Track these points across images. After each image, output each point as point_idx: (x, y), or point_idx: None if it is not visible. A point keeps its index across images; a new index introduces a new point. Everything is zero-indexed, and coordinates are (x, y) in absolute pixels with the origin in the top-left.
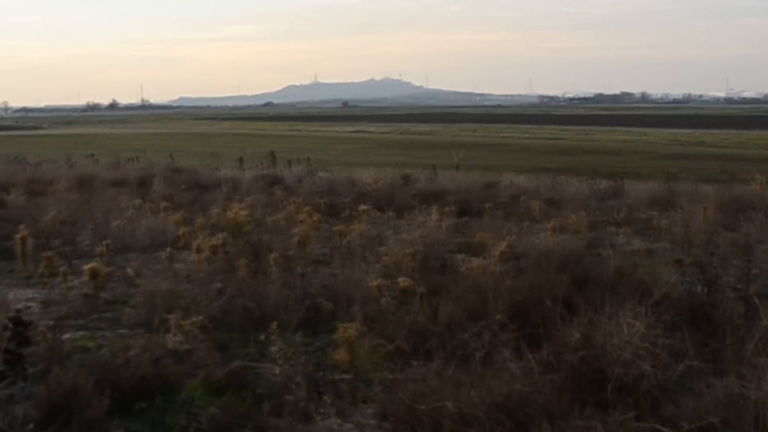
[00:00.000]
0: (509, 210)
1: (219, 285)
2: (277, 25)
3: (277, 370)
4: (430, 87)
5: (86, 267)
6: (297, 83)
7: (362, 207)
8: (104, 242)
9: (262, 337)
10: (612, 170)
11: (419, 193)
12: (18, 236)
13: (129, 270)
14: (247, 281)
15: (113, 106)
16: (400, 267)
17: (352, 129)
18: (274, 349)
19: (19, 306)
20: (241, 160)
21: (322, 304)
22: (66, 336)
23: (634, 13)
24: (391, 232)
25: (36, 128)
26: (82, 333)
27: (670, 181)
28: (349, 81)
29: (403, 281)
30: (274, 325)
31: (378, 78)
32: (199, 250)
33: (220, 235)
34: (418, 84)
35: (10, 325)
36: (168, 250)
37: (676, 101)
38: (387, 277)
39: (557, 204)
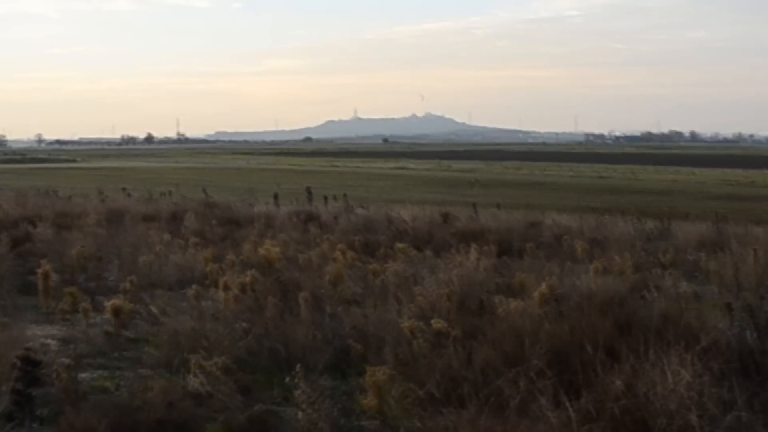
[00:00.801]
0: (551, 250)
1: (245, 324)
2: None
3: (300, 415)
4: (474, 123)
5: (108, 304)
6: (337, 118)
7: (399, 245)
8: (129, 278)
9: (288, 379)
10: (659, 211)
11: (459, 231)
12: (40, 271)
13: (153, 308)
14: (275, 321)
15: (149, 139)
16: (435, 308)
17: (393, 165)
18: (298, 392)
19: (33, 344)
20: (276, 195)
21: (352, 345)
22: (84, 375)
23: (684, 51)
24: (427, 272)
25: (69, 161)
26: (100, 372)
27: (719, 222)
28: (390, 116)
29: (436, 323)
30: (299, 367)
31: (420, 114)
32: (226, 288)
33: (249, 273)
34: (460, 120)
35: (19, 364)
36: (194, 287)
37: (726, 141)
38: (421, 318)
39: (601, 245)
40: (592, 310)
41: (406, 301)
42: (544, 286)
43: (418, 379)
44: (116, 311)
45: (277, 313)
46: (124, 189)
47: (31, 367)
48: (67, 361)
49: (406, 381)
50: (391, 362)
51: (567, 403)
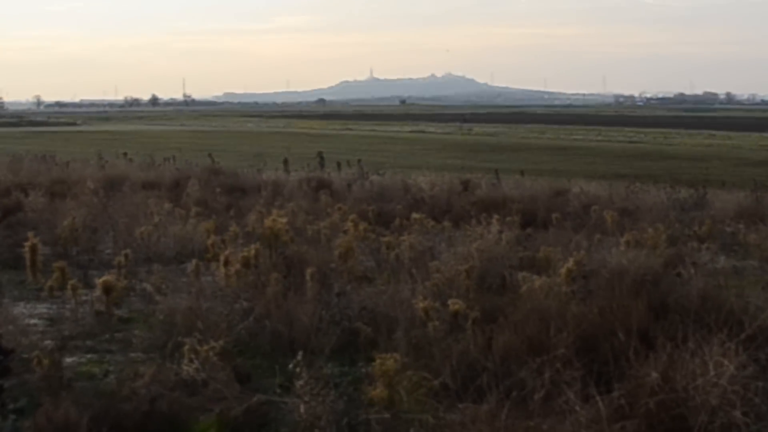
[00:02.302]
0: (579, 221)
1: (246, 304)
2: (332, 16)
3: (302, 407)
4: (496, 84)
5: (99, 280)
6: (351, 79)
7: (415, 215)
8: (124, 252)
9: (291, 365)
10: (694, 178)
11: (479, 200)
12: (27, 244)
13: (147, 285)
14: (278, 300)
15: (154, 101)
16: (453, 285)
17: (410, 129)
18: (300, 383)
19: (17, 324)
20: (285, 161)
21: (361, 328)
22: (70, 360)
23: (719, 6)
24: (445, 245)
25: (70, 124)
26: (88, 356)
27: (758, 191)
28: (408, 77)
29: (454, 303)
30: (301, 354)
31: (439, 74)
32: (227, 263)
33: (253, 246)
34: (482, 81)
35: None
36: (194, 261)
37: (765, 102)
38: (437, 297)
39: (632, 215)
40: (624, 290)
41: (422, 278)
42: (571, 262)
43: (432, 368)
44: (107, 289)
45: (281, 291)
46: (125, 154)
47: (1, 356)
48: (51, 344)
49: (419, 369)
50: (403, 347)
51: (597, 397)
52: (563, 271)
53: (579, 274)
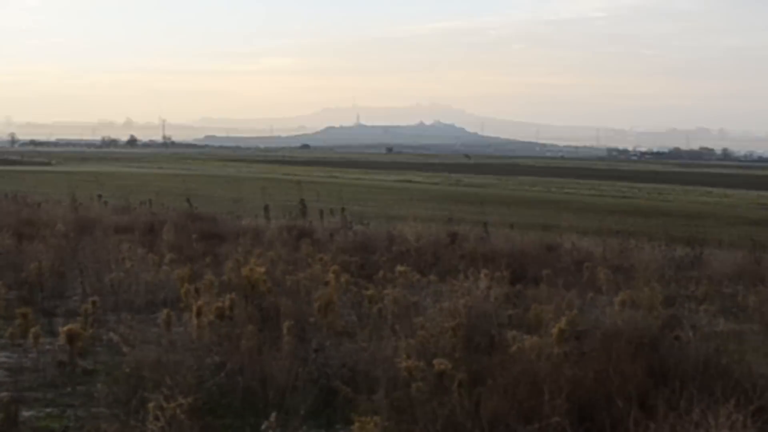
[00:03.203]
0: (571, 278)
1: (218, 358)
2: (318, 59)
3: None
4: (486, 134)
5: (63, 329)
6: (338, 124)
7: (400, 268)
8: (92, 298)
9: (264, 426)
10: (689, 235)
11: (467, 253)
12: None
13: (113, 335)
14: (253, 355)
15: (132, 142)
16: (438, 343)
17: (397, 178)
18: None
19: None
20: (266, 208)
21: (340, 387)
22: (27, 413)
23: (718, 59)
24: (431, 300)
25: (45, 164)
26: (48, 410)
27: (757, 251)
28: (396, 124)
29: (439, 363)
30: (274, 415)
31: (428, 122)
32: (200, 313)
33: (228, 296)
34: (472, 130)
35: None
36: (165, 311)
37: (762, 159)
38: (422, 355)
39: (627, 272)
40: (620, 353)
41: (405, 335)
42: (563, 321)
43: None
44: (72, 338)
45: (256, 345)
46: (100, 196)
47: None
48: (8, 395)
49: None
50: (384, 409)
51: None
52: (555, 330)
53: (572, 335)
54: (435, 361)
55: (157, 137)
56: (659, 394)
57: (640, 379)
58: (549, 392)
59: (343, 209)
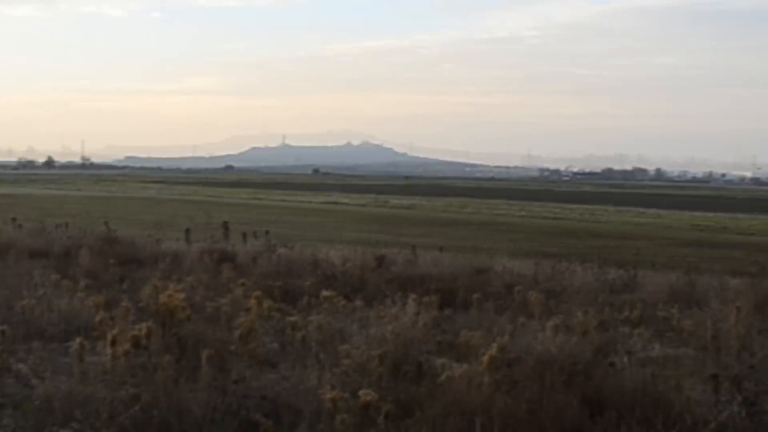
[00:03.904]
0: (502, 302)
1: (133, 390)
2: (243, 79)
3: None
4: (415, 155)
5: None
6: (263, 145)
7: (325, 293)
8: (1, 327)
9: None
10: (623, 258)
11: (395, 278)
12: None
13: (22, 366)
14: (169, 386)
15: (49, 163)
16: (364, 372)
17: (323, 200)
18: None
19: None
20: (188, 231)
21: (261, 421)
22: None
23: (652, 78)
24: (357, 326)
25: None
26: None
27: (691, 273)
28: (322, 144)
29: (365, 394)
30: None
31: (356, 143)
32: (114, 343)
33: (145, 324)
34: (401, 151)
35: None
36: (78, 340)
37: (696, 180)
38: (347, 386)
39: (559, 296)
40: (554, 381)
41: (330, 364)
42: (494, 348)
43: None
44: None
45: (172, 375)
46: (14, 219)
47: None
48: None
49: None
50: None
51: None
52: (486, 358)
53: (503, 362)
54: (361, 392)
55: (76, 158)
56: (596, 427)
57: (575, 410)
58: (480, 425)
59: (267, 232)
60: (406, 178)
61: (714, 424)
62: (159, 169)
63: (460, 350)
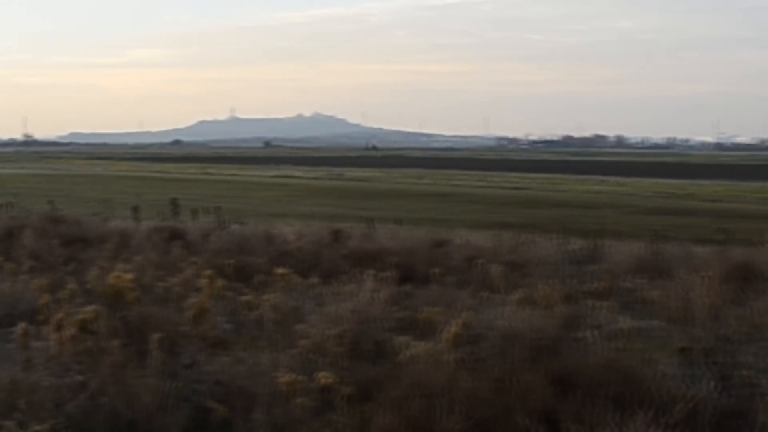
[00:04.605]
0: (463, 276)
1: (80, 377)
2: (189, 50)
3: None
4: (369, 125)
5: None
6: (211, 118)
7: (280, 270)
8: None
9: None
10: (585, 227)
11: (352, 253)
12: None
13: None
14: (117, 372)
15: None
16: (322, 352)
17: (275, 173)
18: None
19: None
20: (136, 208)
21: (214, 406)
22: None
23: (609, 43)
24: (313, 304)
25: None
26: None
27: (656, 242)
28: (273, 116)
29: (324, 377)
30: None
31: (307, 114)
32: (60, 327)
33: (93, 307)
34: (354, 121)
35: None
36: (22, 325)
37: (657, 146)
38: (304, 368)
39: (522, 269)
40: (520, 358)
41: (286, 345)
42: (456, 324)
43: None
44: None
45: (121, 361)
46: None
47: None
48: None
49: None
50: (263, 429)
51: None
52: (448, 335)
53: (467, 339)
54: (319, 375)
55: (18, 135)
56: (565, 405)
57: (543, 389)
58: (444, 407)
59: (218, 208)
60: (374, 147)
61: (689, 398)
62: (104, 145)
63: (421, 327)
